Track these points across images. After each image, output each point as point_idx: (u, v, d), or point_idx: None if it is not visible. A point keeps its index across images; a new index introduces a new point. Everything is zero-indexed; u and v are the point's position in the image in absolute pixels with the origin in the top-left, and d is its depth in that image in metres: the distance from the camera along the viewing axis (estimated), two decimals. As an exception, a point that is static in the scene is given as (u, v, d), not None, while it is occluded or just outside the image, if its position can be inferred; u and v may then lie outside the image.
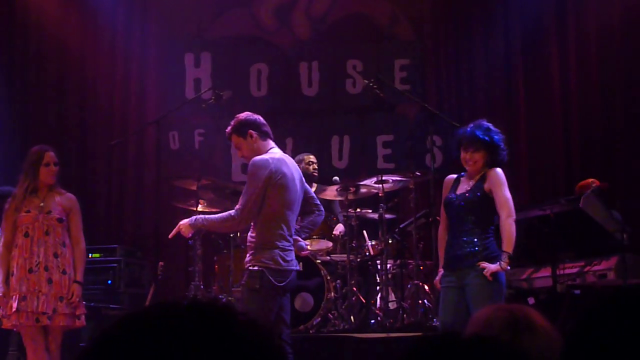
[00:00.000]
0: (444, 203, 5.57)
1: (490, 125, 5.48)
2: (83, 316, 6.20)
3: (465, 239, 5.36)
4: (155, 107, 9.80)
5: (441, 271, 5.52)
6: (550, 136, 9.72)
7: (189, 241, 8.06)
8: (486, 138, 5.40)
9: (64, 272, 6.12)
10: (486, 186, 5.38)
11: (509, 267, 5.35)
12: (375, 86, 7.99)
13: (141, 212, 9.80)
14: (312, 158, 8.53)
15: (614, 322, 1.11)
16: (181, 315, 1.10)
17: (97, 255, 8.52)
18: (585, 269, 7.39)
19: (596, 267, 7.33)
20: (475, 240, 5.34)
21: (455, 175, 5.63)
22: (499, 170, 5.41)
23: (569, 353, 1.16)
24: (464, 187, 5.50)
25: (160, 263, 7.78)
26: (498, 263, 5.24)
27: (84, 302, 6.30)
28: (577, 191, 8.12)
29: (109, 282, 8.51)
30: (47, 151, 6.26)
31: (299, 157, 8.35)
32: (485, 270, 5.19)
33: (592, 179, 8.17)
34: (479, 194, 5.38)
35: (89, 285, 7.46)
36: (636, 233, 7.57)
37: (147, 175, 9.76)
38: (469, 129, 5.49)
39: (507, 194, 5.37)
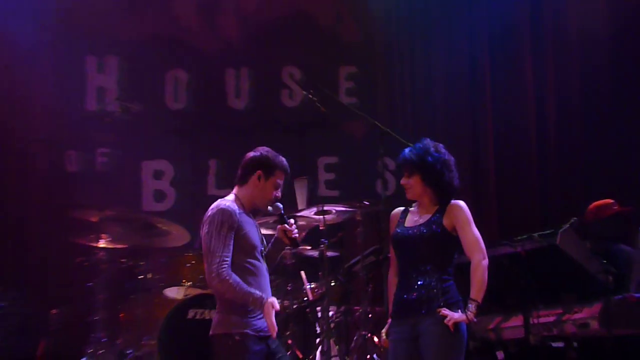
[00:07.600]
0: (392, 240, 5.41)
1: (430, 144, 5.37)
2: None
3: (420, 282, 5.25)
4: (46, 120, 9.51)
5: (390, 320, 5.39)
6: (523, 160, 9.76)
7: (88, 284, 7.90)
8: (414, 159, 5.35)
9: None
10: (446, 222, 5.24)
11: (475, 319, 5.27)
12: (315, 98, 7.95)
13: (28, 249, 9.47)
14: None
15: None
16: None
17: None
18: (564, 318, 7.33)
19: (576, 316, 7.26)
20: (433, 283, 5.20)
21: (402, 208, 5.50)
22: (462, 204, 5.29)
23: None
24: (414, 219, 5.36)
25: (53, 311, 7.62)
26: (463, 312, 5.14)
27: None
28: (589, 215, 7.97)
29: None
30: None
31: None
32: (447, 319, 5.07)
33: (610, 200, 7.98)
34: (437, 229, 5.26)
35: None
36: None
37: (35, 204, 9.50)
38: (405, 150, 5.44)
39: (477, 232, 5.23)
